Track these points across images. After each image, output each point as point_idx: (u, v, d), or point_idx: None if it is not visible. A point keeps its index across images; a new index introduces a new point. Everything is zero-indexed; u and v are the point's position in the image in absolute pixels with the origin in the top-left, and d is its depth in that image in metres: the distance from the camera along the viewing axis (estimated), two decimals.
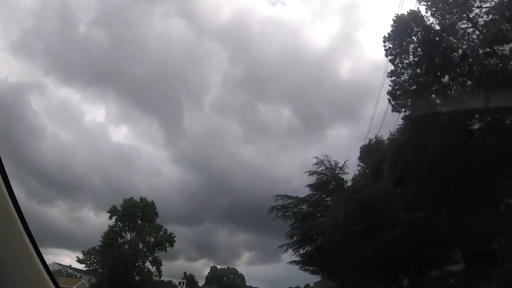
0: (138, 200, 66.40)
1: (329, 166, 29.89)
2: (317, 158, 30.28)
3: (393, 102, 25.98)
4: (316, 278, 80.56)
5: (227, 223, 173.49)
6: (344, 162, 30.00)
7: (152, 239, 63.24)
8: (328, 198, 28.70)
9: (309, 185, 29.93)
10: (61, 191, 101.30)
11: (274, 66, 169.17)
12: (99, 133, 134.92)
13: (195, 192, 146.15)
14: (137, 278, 60.41)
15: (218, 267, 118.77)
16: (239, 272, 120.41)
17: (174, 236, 66.73)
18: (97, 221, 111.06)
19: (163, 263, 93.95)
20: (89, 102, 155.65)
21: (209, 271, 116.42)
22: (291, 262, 32.34)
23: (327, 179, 29.64)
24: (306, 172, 30.20)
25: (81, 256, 74.50)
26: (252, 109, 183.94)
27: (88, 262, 79.60)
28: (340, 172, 30.05)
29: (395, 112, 26.18)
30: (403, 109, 25.75)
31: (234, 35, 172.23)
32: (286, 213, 30.21)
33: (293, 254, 31.21)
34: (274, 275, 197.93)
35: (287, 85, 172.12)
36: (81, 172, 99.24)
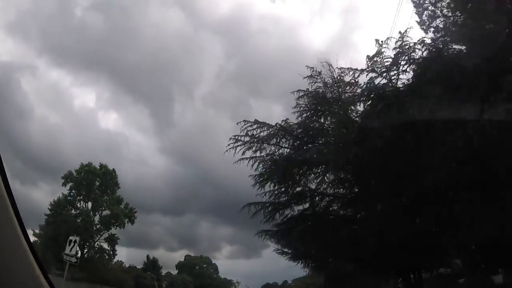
0: (98, 167, 57.06)
1: (330, 81, 17.02)
2: (311, 68, 17.37)
3: (419, 19, 17.04)
4: (297, 274, 71.16)
5: (211, 216, 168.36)
6: (357, 76, 16.15)
7: (108, 212, 53.80)
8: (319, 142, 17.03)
9: (296, 108, 17.41)
10: (45, 173, 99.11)
11: (269, 63, 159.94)
12: (88, 118, 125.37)
13: (181, 183, 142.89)
14: (85, 255, 51.04)
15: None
16: (213, 262, 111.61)
17: (135, 212, 57.49)
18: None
19: (144, 252, 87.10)
20: (80, 86, 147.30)
21: (182, 259, 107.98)
22: (259, 233, 21.01)
23: (323, 100, 16.74)
24: (292, 92, 17.76)
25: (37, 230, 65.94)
26: (244, 105, 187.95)
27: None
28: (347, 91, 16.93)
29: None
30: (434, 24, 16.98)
31: (232, 29, 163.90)
32: (255, 150, 17.85)
33: (265, 221, 19.12)
34: (254, 270, 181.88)
35: (281, 83, 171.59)
36: (67, 156, 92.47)
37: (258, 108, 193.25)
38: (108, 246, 55.26)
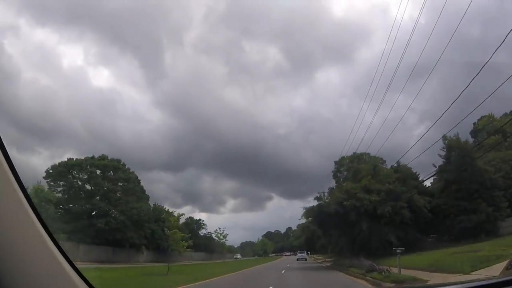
0: None
1: None
2: None
3: None
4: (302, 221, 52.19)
5: (212, 170, 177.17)
6: None
7: None
8: None
9: None
10: (42, 138, 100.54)
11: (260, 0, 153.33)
12: (78, 77, 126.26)
13: (179, 137, 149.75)
14: None
15: None
16: (131, 170, 59.68)
17: None
18: None
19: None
20: (66, 43, 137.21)
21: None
22: None
23: None
24: None
25: None
26: (237, 48, 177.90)
27: None
28: None
29: None
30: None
31: None
32: None
33: None
34: (257, 222, 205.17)
35: (275, 22, 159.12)
36: (62, 118, 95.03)
37: (252, 51, 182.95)
38: None
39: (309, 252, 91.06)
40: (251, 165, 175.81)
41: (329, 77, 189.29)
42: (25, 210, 1.59)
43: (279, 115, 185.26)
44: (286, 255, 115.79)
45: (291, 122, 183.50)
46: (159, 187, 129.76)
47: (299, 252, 73.35)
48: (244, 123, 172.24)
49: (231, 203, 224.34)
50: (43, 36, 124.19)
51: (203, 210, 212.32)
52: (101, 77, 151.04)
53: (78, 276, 1.86)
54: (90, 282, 1.95)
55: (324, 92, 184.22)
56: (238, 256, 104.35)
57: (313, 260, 70.35)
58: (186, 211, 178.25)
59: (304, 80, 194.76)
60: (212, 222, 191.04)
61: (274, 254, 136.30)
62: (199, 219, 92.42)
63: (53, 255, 1.71)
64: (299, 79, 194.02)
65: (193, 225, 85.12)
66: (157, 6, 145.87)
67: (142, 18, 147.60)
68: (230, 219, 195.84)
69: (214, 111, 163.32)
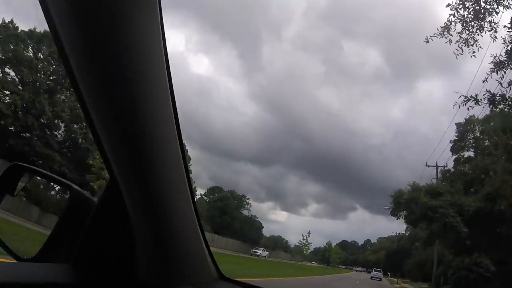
0: None
1: None
2: None
3: None
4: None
5: (299, 170, 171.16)
6: None
7: None
8: None
9: None
10: None
11: None
12: (178, 62, 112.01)
13: (270, 132, 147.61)
14: None
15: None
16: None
17: None
18: None
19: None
20: (169, 28, 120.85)
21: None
22: None
23: None
24: None
25: None
26: (335, 47, 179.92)
27: None
28: None
29: None
30: None
31: None
32: None
33: None
34: (337, 231, 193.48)
35: (378, 23, 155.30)
36: None
37: (351, 51, 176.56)
38: None
39: (388, 273, 71.23)
40: (338, 172, 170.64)
41: (432, 89, 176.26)
42: (188, 195, 1.58)
43: (373, 124, 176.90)
44: (356, 271, 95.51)
45: (386, 133, 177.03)
46: (245, 179, 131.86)
47: (375, 270, 64.40)
48: (336, 127, 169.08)
49: (313, 206, 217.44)
50: None
51: (284, 209, 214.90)
52: (201, 65, 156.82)
53: (211, 259, 1.87)
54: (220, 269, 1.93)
55: (424, 105, 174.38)
56: (259, 251, 65.94)
57: (397, 286, 44.40)
58: (268, 207, 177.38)
59: (404, 89, 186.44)
60: (292, 223, 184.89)
61: (343, 267, 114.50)
62: (243, 195, 70.21)
63: (198, 233, 1.73)
64: (398, 87, 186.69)
65: (232, 200, 62.72)
66: None
67: (244, 9, 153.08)
68: (310, 223, 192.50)
69: (307, 111, 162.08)
